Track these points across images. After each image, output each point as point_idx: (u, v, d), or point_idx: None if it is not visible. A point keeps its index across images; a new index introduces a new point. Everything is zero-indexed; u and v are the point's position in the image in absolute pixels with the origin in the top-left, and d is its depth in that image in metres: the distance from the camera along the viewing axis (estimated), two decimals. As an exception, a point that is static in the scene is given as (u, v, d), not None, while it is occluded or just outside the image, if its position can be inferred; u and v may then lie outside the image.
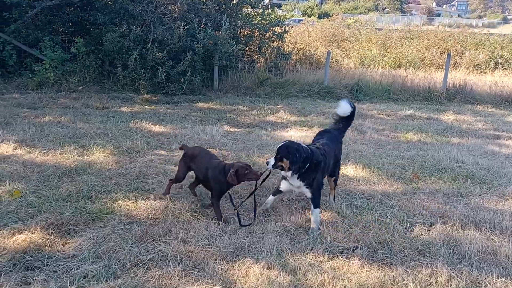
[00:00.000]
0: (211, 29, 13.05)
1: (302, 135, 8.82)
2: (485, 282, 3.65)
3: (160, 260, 3.82)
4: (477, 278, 3.71)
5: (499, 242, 4.37)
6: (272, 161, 4.37)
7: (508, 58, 21.12)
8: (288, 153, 4.29)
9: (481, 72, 19.95)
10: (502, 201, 5.57)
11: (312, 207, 4.55)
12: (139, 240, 4.14)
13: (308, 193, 4.56)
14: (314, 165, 4.44)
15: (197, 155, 4.90)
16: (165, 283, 3.48)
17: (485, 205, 5.40)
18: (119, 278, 3.51)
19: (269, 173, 4.94)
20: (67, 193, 5.06)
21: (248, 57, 15.86)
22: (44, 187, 5.24)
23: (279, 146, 4.40)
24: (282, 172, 4.51)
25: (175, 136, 8.17)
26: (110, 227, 4.35)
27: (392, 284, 3.62)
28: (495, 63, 21.01)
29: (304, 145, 4.51)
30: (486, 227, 4.70)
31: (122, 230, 4.32)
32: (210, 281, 3.52)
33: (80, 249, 3.89)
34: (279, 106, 12.34)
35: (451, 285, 3.56)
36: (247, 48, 15.88)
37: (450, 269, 3.81)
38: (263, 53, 15.91)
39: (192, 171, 5.02)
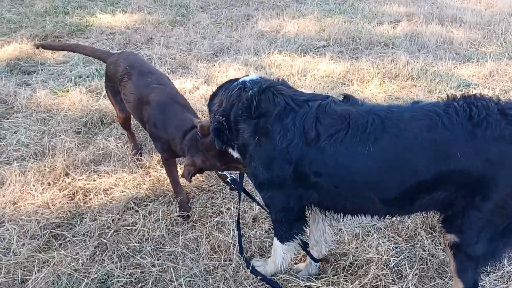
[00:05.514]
0: None
1: None
2: (438, 65, 4.13)
3: (147, 60, 4.14)
4: (432, 62, 4.17)
5: (457, 34, 4.76)
6: None
7: None
8: None
9: None
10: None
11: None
12: (124, 47, 4.39)
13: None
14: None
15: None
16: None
17: (450, 3, 5.65)
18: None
19: None
20: (43, 10, 5.09)
21: None
22: (19, 6, 5.24)
23: None
24: None
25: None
26: (94, 38, 4.55)
27: (356, 71, 4.07)
28: None
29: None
30: (447, 21, 5.02)
31: (106, 39, 4.53)
32: (195, 75, 3.91)
33: (69, 55, 4.14)
34: None
35: (408, 68, 4.02)
36: None
37: (409, 56, 4.25)
38: None
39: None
